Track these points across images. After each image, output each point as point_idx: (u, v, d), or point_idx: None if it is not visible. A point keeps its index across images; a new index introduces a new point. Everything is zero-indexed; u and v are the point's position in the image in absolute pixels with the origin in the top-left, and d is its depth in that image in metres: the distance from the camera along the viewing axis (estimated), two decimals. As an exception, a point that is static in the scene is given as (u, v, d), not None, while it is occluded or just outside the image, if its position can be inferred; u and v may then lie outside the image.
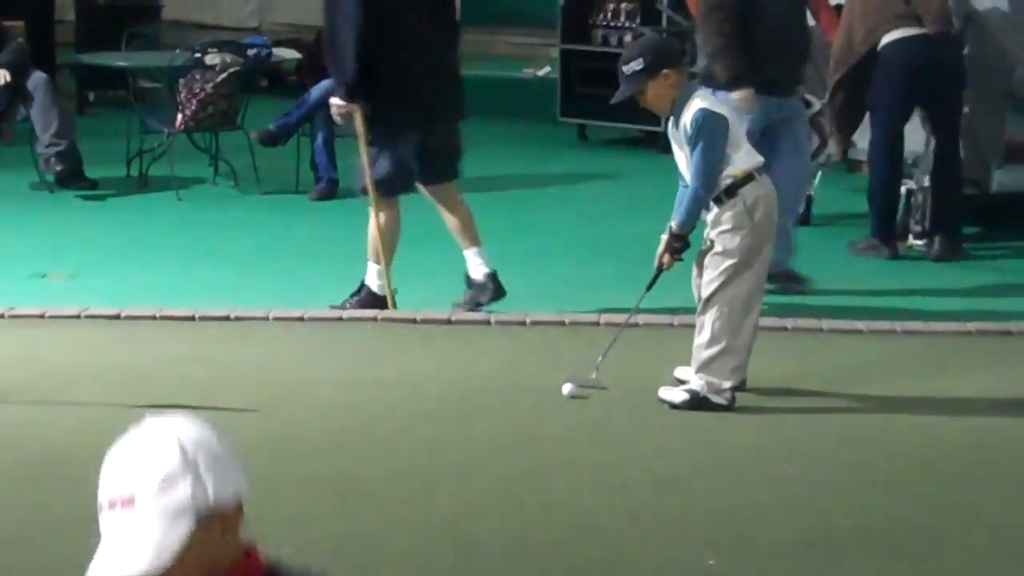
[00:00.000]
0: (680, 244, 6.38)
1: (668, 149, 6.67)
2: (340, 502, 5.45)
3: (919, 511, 5.45)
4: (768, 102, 8.06)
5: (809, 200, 9.75)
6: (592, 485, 5.63)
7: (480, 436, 6.13)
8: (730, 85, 7.91)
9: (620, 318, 7.06)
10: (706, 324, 6.33)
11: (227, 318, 7.58)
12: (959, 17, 9.32)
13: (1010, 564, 5.06)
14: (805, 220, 9.54)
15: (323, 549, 5.03)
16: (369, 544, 5.10)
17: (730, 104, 7.18)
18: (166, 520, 2.23)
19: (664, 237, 6.41)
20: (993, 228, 10.00)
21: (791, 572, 4.96)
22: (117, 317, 7.57)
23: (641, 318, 7.09)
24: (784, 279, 8.24)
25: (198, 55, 11.12)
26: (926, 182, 9.30)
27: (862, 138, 9.59)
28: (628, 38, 12.27)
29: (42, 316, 7.60)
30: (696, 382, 6.36)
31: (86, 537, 2.45)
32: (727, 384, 6.34)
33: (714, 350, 6.31)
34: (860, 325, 7.60)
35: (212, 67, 10.98)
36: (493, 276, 7.84)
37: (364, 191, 7.80)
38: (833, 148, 9.91)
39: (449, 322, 7.59)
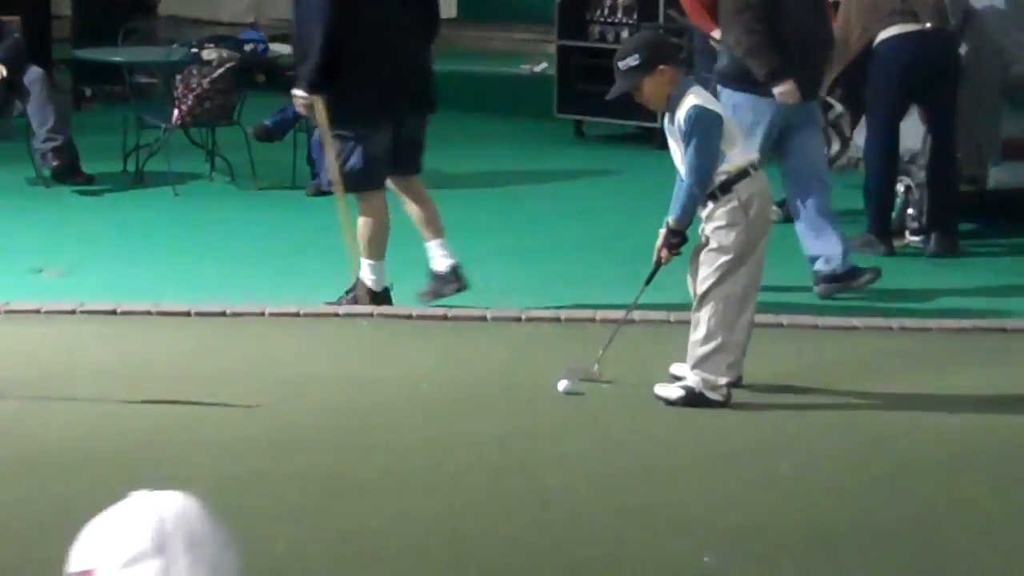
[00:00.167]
0: (678, 239, 6.38)
1: (665, 145, 6.67)
2: (335, 498, 5.45)
3: (915, 507, 5.46)
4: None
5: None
6: (588, 481, 5.63)
7: (476, 432, 6.13)
8: (769, 81, 7.88)
9: (616, 314, 7.06)
10: (701, 320, 6.33)
11: (223, 314, 7.57)
12: (955, 13, 9.32)
13: (1005, 560, 5.07)
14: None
15: (318, 545, 5.03)
16: (365, 540, 5.10)
17: (743, 104, 7.13)
18: None
19: (662, 232, 6.42)
20: (989, 225, 9.99)
21: (787, 568, 4.96)
22: (113, 313, 7.56)
23: (637, 314, 7.08)
24: (846, 278, 8.12)
25: (195, 50, 11.10)
26: (923, 178, 9.30)
27: (858, 135, 9.59)
28: (625, 34, 12.28)
29: (38, 311, 7.58)
30: (692, 379, 6.35)
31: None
32: (723, 381, 6.34)
33: (710, 347, 6.31)
34: (856, 322, 7.60)
35: (208, 62, 10.96)
36: (456, 268, 7.82)
37: (331, 184, 7.76)
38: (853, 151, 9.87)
39: (445, 318, 7.58)
